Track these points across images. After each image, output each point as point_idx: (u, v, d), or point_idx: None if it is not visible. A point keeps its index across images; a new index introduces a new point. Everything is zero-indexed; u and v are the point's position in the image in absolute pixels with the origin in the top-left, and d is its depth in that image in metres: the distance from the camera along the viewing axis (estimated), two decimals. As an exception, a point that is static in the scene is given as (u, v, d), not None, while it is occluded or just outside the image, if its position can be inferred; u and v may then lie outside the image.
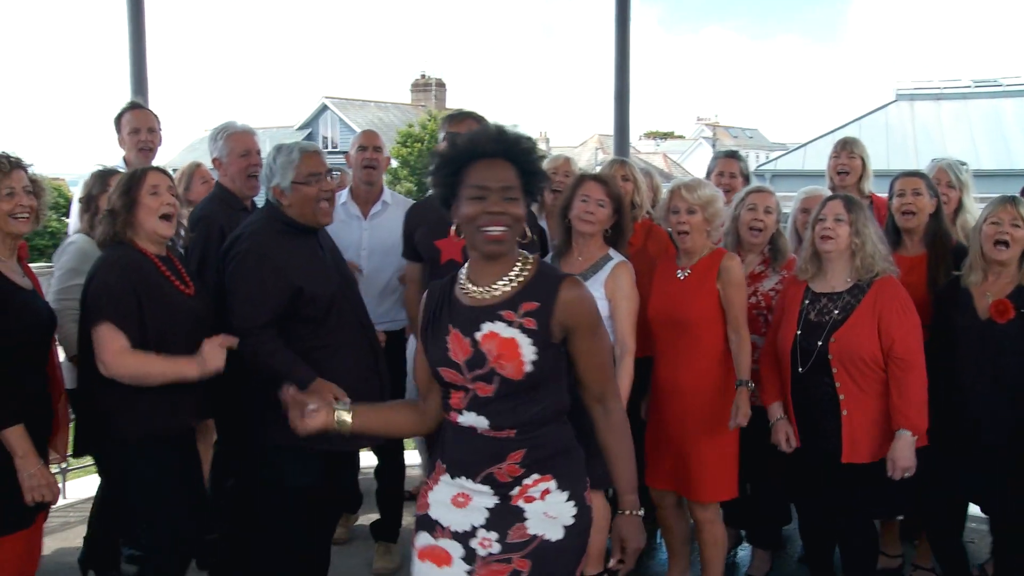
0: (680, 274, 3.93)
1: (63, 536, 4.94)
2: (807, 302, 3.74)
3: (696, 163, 46.56)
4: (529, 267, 2.41)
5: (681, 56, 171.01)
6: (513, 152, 2.36)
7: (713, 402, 3.84)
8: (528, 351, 2.32)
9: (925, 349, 3.67)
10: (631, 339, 3.82)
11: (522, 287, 2.37)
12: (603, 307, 3.82)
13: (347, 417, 2.51)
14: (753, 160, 51.06)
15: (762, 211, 4.11)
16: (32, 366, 3.14)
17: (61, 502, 5.28)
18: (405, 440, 4.85)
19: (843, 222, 3.65)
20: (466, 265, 2.48)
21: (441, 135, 4.20)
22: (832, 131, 25.15)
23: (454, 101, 44.04)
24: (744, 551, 4.66)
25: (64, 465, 5.43)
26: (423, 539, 2.48)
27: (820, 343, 3.63)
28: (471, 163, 2.35)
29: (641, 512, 2.50)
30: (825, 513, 3.79)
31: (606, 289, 3.81)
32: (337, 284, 3.60)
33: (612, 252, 3.91)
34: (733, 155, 5.17)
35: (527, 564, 2.36)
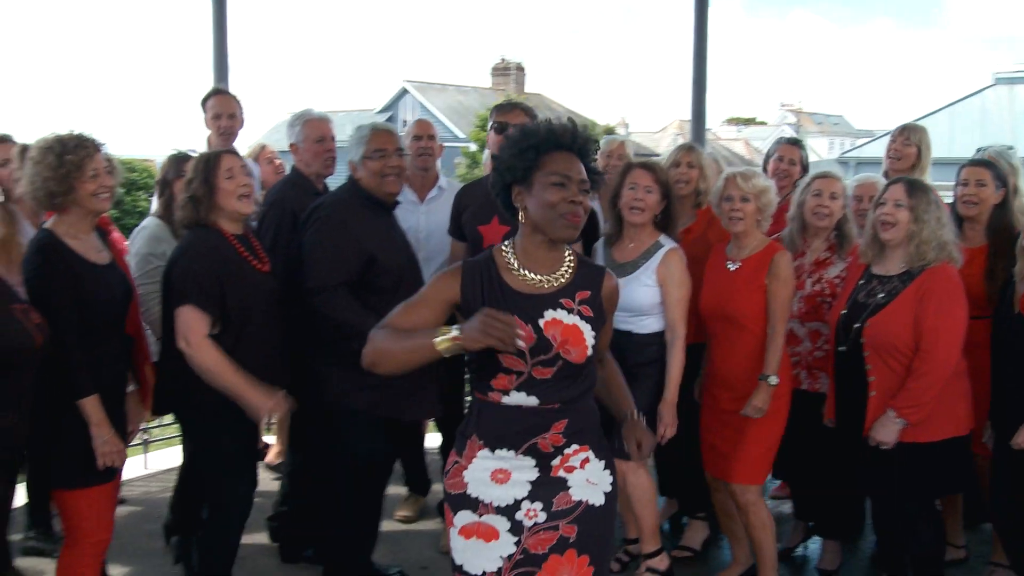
0: (731, 266, 3.91)
1: (144, 505, 5.11)
2: (862, 282, 3.74)
3: (779, 150, 45.60)
4: (573, 257, 2.56)
5: (765, 41, 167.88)
6: (585, 150, 2.50)
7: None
8: (589, 336, 2.47)
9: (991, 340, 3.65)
10: (682, 326, 3.87)
11: (574, 276, 2.52)
12: (654, 294, 3.86)
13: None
14: (838, 147, 50.07)
15: (827, 197, 4.04)
16: (107, 339, 3.28)
17: (142, 472, 5.52)
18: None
19: (903, 207, 3.58)
20: (508, 249, 2.53)
21: (490, 124, 4.28)
22: (922, 117, 24.47)
23: (533, 85, 44.18)
24: (815, 544, 4.59)
25: (146, 437, 5.63)
26: (465, 517, 2.54)
27: (857, 325, 3.63)
28: (549, 152, 2.46)
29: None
30: (884, 497, 3.75)
31: (657, 276, 3.85)
32: (406, 259, 3.80)
33: (663, 238, 3.94)
34: (795, 142, 5.10)
35: (574, 529, 2.49)
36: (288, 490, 4.42)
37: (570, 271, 2.52)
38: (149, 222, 4.20)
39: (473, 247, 4.02)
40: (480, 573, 2.52)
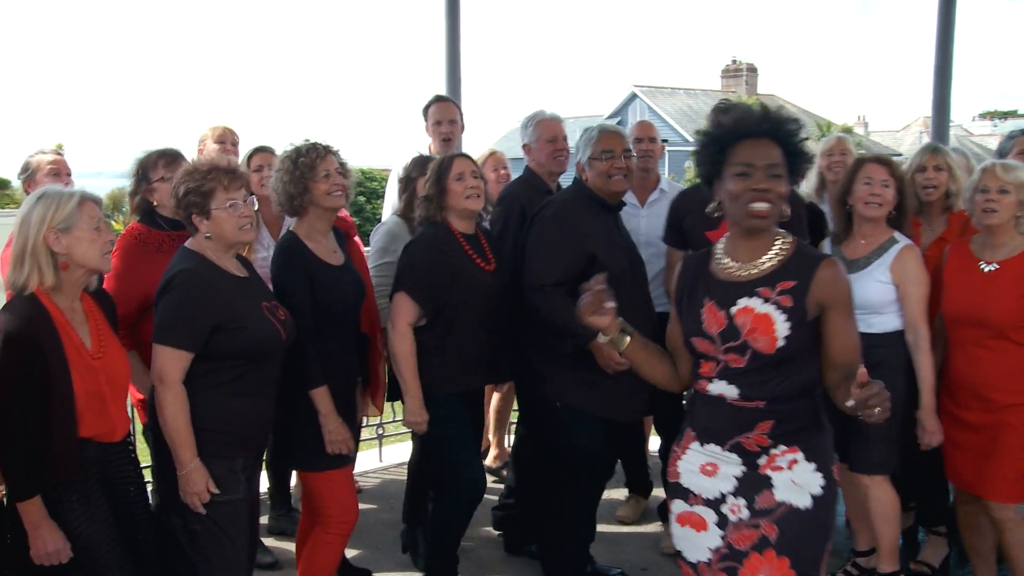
0: (985, 267, 3.62)
1: (379, 496, 5.37)
2: None
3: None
4: (788, 246, 2.48)
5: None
6: (778, 132, 2.45)
7: None
8: (782, 327, 2.39)
9: None
10: (924, 325, 3.67)
11: (780, 265, 2.45)
12: (889, 292, 3.69)
13: (627, 338, 2.64)
14: (1111, 141, 45.33)
15: None
16: (339, 334, 3.50)
17: (377, 465, 5.81)
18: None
19: None
20: (723, 240, 2.57)
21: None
22: None
23: (766, 86, 42.92)
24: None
25: (381, 432, 5.93)
26: (679, 506, 2.61)
27: None
28: (737, 142, 2.45)
29: None
30: None
31: (892, 273, 3.68)
32: (628, 262, 3.80)
33: (897, 235, 3.76)
34: None
35: (774, 529, 2.44)
36: (515, 483, 4.53)
37: (777, 260, 2.46)
38: (389, 219, 4.44)
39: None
40: (696, 561, 2.56)
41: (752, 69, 43.02)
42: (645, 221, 4.71)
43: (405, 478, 4.60)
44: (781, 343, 2.38)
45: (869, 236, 3.78)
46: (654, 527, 4.79)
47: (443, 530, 3.80)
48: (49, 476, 2.70)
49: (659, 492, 4.88)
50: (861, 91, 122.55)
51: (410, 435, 4.24)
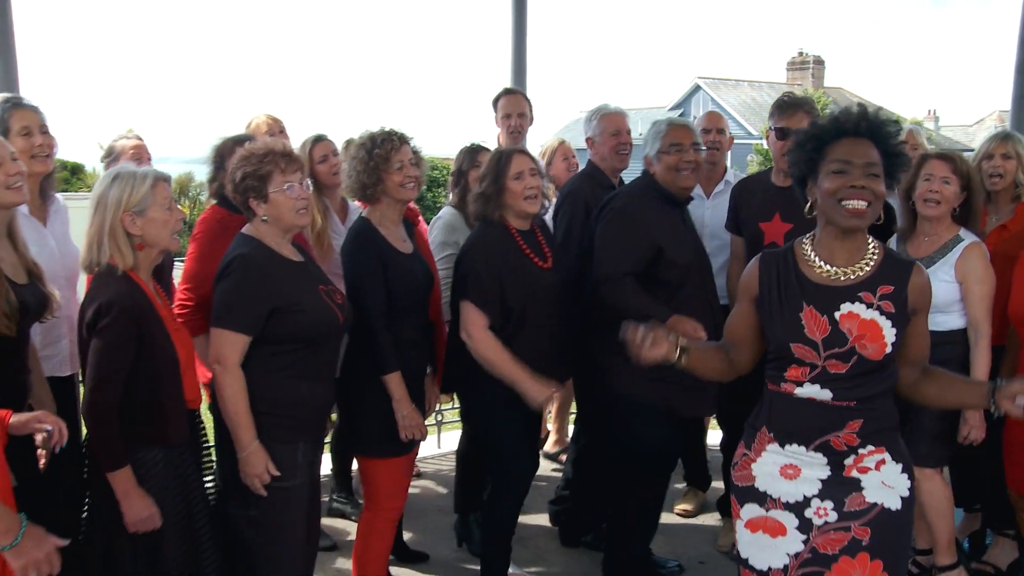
0: None
1: (436, 481, 5.43)
2: None
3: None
4: (879, 250, 2.47)
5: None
6: (877, 133, 2.41)
7: None
8: (889, 333, 2.37)
9: None
10: (986, 324, 3.62)
11: (876, 270, 2.43)
12: (952, 290, 3.63)
13: (686, 355, 2.60)
14: None
15: None
16: (410, 321, 3.53)
17: (435, 451, 5.85)
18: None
19: None
20: (808, 241, 2.52)
21: (771, 124, 4.18)
22: None
23: (833, 79, 42.17)
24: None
25: (440, 418, 5.98)
26: (752, 511, 2.53)
27: None
28: (834, 141, 2.42)
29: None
30: None
31: (956, 272, 3.62)
32: (694, 256, 3.77)
33: (963, 232, 3.69)
34: None
35: (867, 532, 2.40)
36: (571, 475, 4.54)
37: (872, 264, 2.43)
38: (445, 212, 4.44)
39: (752, 243, 3.93)
40: (766, 569, 2.50)
41: (819, 61, 42.31)
42: (710, 213, 4.68)
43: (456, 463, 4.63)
44: (889, 349, 2.37)
45: (932, 234, 3.71)
46: (712, 520, 4.77)
47: (497, 522, 3.81)
48: (161, 440, 2.80)
49: (717, 485, 4.86)
50: (932, 84, 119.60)
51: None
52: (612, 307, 3.60)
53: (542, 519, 4.64)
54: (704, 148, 4.25)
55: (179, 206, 2.97)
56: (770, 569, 2.48)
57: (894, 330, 2.37)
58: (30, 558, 2.23)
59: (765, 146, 32.46)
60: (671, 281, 3.66)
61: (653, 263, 3.63)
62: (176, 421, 2.84)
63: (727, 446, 4.64)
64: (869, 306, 2.38)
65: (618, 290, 3.61)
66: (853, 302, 2.39)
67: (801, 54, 42.79)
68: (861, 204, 2.35)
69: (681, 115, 37.61)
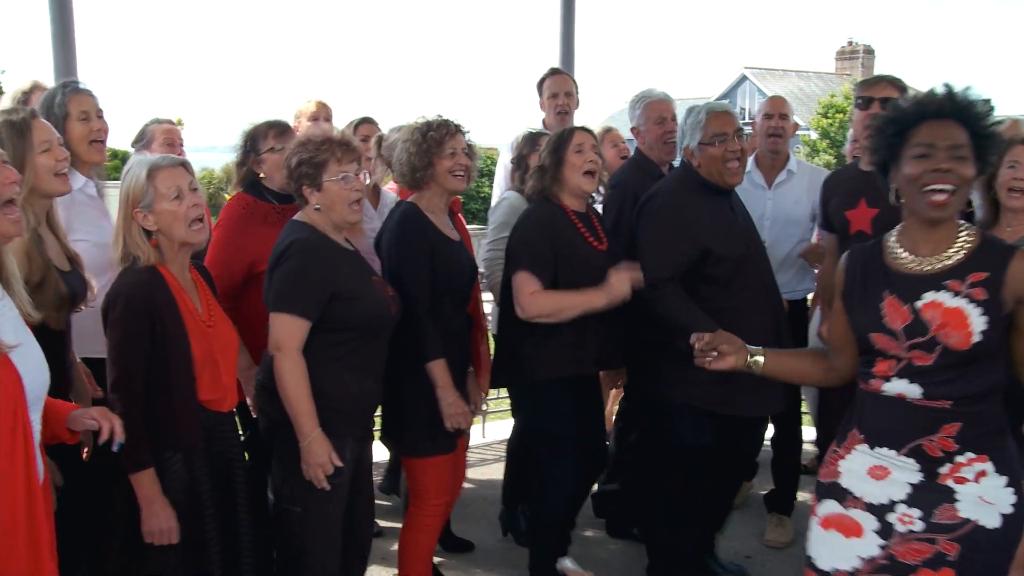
0: None
1: (481, 472, 5.44)
2: None
3: None
4: (972, 237, 2.32)
5: None
6: (965, 113, 2.27)
7: None
8: (977, 322, 2.22)
9: None
10: None
11: (967, 257, 2.28)
12: None
13: (760, 358, 2.55)
14: None
15: None
16: (453, 310, 3.48)
17: (479, 441, 5.86)
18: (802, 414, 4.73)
19: None
20: (895, 231, 2.40)
21: (855, 100, 4.03)
22: None
23: (883, 69, 41.33)
24: None
25: (484, 408, 5.97)
26: (829, 507, 2.42)
27: None
28: (917, 124, 2.29)
29: None
30: None
31: None
32: (746, 248, 3.63)
33: None
34: None
35: (955, 548, 2.25)
36: (617, 467, 4.51)
37: (964, 252, 2.28)
38: (508, 194, 4.38)
39: (841, 235, 3.79)
40: (830, 570, 2.38)
41: (869, 51, 41.62)
42: (772, 203, 4.54)
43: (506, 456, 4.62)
44: (977, 338, 2.21)
45: (1015, 224, 3.46)
46: (757, 515, 4.70)
47: (545, 514, 3.76)
48: (172, 442, 2.69)
49: (763, 478, 4.81)
50: (989, 75, 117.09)
51: (511, 413, 4.24)
52: (659, 315, 3.53)
53: (587, 509, 4.62)
54: (749, 133, 4.12)
55: (226, 194, 2.92)
56: (835, 571, 2.37)
57: (984, 318, 2.21)
58: None
59: (813, 136, 32.11)
60: (719, 277, 3.55)
61: (700, 261, 3.52)
62: (187, 422, 2.71)
63: (777, 442, 4.59)
64: (956, 294, 2.24)
65: (664, 299, 3.51)
66: (938, 291, 2.26)
67: (851, 43, 42.16)
68: (943, 195, 2.22)
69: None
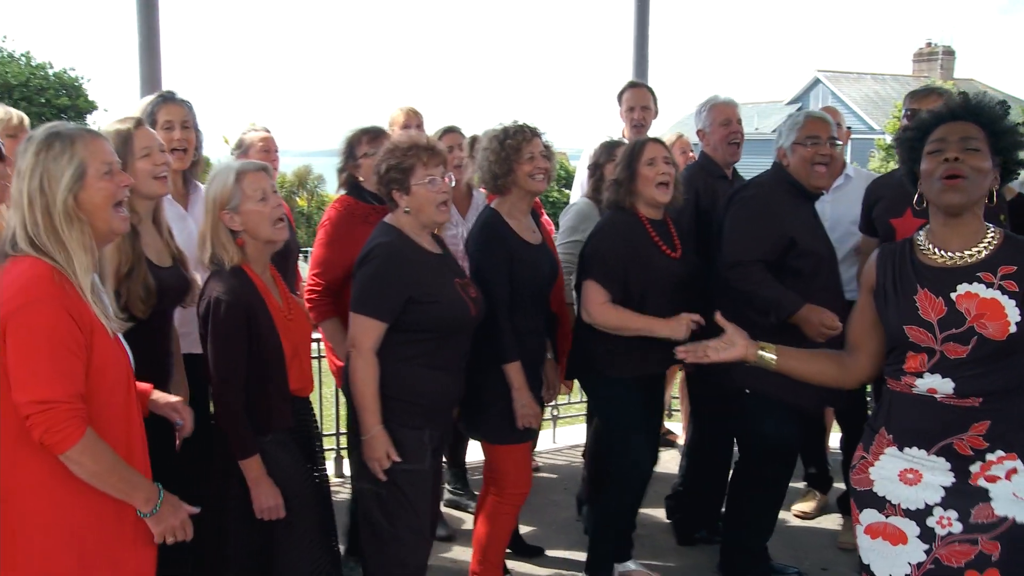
0: None
1: (552, 476, 5.41)
2: None
3: None
4: (997, 235, 2.38)
5: None
6: (979, 114, 2.37)
7: None
8: (1013, 312, 2.26)
9: None
10: None
11: (995, 251, 2.34)
12: None
13: (771, 355, 2.62)
14: None
15: None
16: (531, 312, 3.59)
17: (551, 445, 5.87)
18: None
19: None
20: (924, 230, 2.46)
21: (904, 111, 4.11)
22: None
23: (963, 71, 40.50)
24: None
25: (556, 413, 6.00)
26: (870, 516, 2.44)
27: None
28: (934, 128, 2.40)
29: None
30: None
31: None
32: (826, 249, 3.76)
33: None
34: None
35: (996, 547, 2.27)
36: (686, 469, 4.52)
37: (991, 247, 2.34)
38: (579, 201, 4.52)
39: (883, 240, 3.81)
40: None
41: (948, 52, 40.65)
42: (830, 207, 4.58)
43: (578, 459, 4.65)
44: (1013, 329, 2.24)
45: None
46: (833, 524, 4.66)
47: (610, 512, 3.83)
48: (268, 427, 2.87)
49: (839, 486, 4.75)
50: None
51: (584, 418, 4.27)
52: (741, 292, 3.60)
53: (660, 516, 4.62)
54: (840, 143, 4.19)
55: (297, 198, 3.05)
56: None
57: (1018, 310, 2.25)
58: (167, 524, 2.35)
59: (888, 141, 31.43)
60: (804, 270, 3.64)
61: (785, 252, 3.62)
62: (280, 408, 2.90)
63: (847, 445, 4.55)
64: (989, 286, 2.29)
65: (747, 275, 3.60)
66: (971, 282, 2.31)
67: (929, 44, 41.22)
68: (954, 179, 2.30)
69: (798, 110, 36.75)
